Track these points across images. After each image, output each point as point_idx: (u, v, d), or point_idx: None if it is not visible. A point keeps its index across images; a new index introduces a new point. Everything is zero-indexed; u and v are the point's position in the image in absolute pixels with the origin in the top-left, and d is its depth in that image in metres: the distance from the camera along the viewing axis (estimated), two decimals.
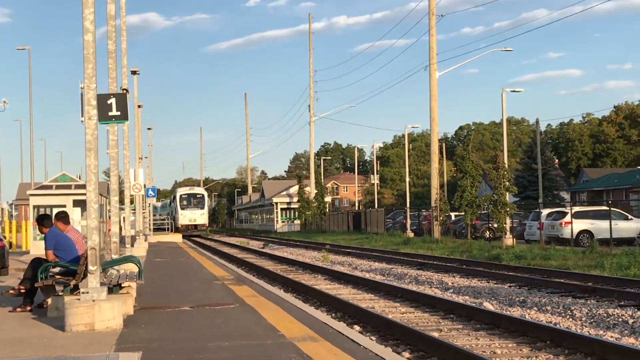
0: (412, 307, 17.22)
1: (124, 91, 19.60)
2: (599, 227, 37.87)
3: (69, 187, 35.11)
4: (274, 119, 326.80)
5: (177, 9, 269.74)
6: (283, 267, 32.18)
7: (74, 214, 32.90)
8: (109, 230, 44.57)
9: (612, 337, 13.10)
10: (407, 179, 72.21)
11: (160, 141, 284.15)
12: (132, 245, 33.66)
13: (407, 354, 11.52)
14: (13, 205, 79.14)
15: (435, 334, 12.94)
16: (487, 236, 46.58)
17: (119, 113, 14.12)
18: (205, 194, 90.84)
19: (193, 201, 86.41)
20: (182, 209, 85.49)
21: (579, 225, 38.71)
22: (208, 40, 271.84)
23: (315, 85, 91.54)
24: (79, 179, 43.00)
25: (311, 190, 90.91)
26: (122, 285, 13.01)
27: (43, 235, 14.11)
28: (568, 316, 15.49)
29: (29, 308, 13.46)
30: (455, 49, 78.77)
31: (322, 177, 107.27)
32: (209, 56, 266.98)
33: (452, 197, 51.06)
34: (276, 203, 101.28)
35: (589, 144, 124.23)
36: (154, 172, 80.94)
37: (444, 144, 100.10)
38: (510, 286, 21.10)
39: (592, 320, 14.89)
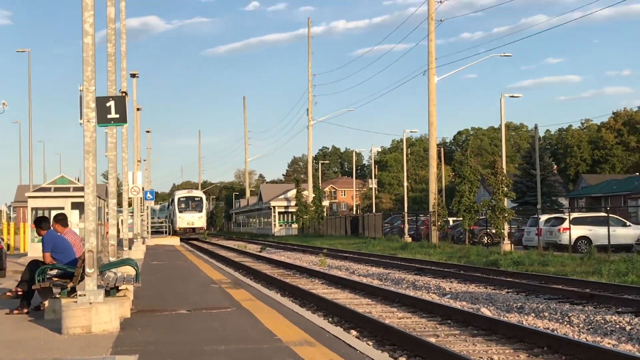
0: (410, 312, 17.21)
1: (123, 94, 19.60)
2: (597, 233, 37.88)
3: (67, 189, 35.11)
4: (273, 123, 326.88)
5: (177, 12, 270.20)
6: (280, 271, 32.15)
7: (72, 216, 32.90)
8: (107, 232, 44.58)
9: (609, 343, 13.10)
10: (405, 184, 72.20)
11: (159, 144, 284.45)
12: (130, 248, 33.61)
13: (403, 359, 11.51)
14: (11, 207, 79.04)
15: (433, 340, 12.93)
16: (485, 242, 46.61)
17: (117, 116, 14.12)
18: (204, 197, 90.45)
19: (191, 204, 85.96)
20: (180, 212, 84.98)
21: (577, 231, 38.72)
22: (207, 44, 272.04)
23: (314, 89, 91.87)
24: (78, 181, 42.98)
25: (309, 194, 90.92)
26: (120, 288, 12.99)
27: (41, 238, 14.09)
28: (566, 322, 15.49)
29: (26, 310, 13.45)
30: (454, 54, 79.05)
31: (320, 181, 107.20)
32: (209, 59, 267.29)
33: (450, 202, 51.10)
34: (274, 207, 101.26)
35: (587, 150, 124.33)
36: (152, 174, 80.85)
37: (442, 149, 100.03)
38: (508, 292, 21.08)
39: (589, 326, 14.89)
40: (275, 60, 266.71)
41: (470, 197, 45.17)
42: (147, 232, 61.07)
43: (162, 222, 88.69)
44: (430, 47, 53.05)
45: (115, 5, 18.51)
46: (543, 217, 42.63)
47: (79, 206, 34.09)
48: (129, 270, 14.65)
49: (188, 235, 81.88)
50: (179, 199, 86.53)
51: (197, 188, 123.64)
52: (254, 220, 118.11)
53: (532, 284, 22.51)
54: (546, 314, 16.46)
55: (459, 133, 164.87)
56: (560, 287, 21.28)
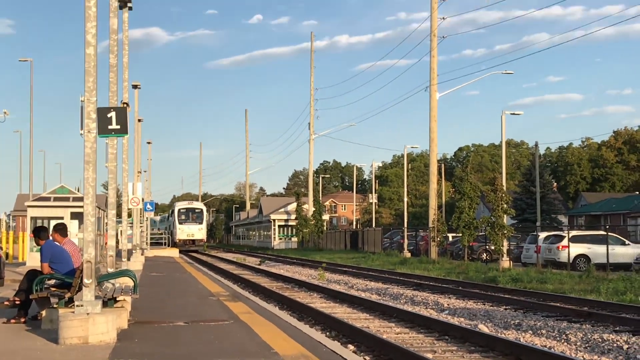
0: (407, 327, 17.20)
1: (125, 105, 19.62)
2: (596, 251, 37.84)
3: (67, 199, 35.11)
4: (274, 136, 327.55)
5: (180, 24, 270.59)
6: (279, 284, 32.12)
7: (72, 226, 32.88)
8: (106, 243, 44.47)
9: None
10: (405, 199, 72.15)
11: (160, 155, 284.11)
12: (129, 259, 33.60)
13: None
14: (10, 216, 79.04)
15: (430, 355, 12.92)
16: (484, 258, 46.58)
17: (118, 127, 14.14)
18: (204, 208, 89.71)
19: (192, 216, 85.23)
20: (180, 223, 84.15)
21: (576, 249, 38.68)
22: (210, 56, 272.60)
23: (316, 103, 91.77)
24: (78, 191, 42.97)
25: (309, 208, 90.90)
26: (117, 299, 12.98)
27: (39, 248, 14.09)
28: (563, 340, 15.47)
29: (23, 320, 13.44)
30: (456, 71, 79.31)
31: (321, 195, 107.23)
32: (211, 72, 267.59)
33: (450, 218, 51.08)
34: (274, 220, 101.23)
35: (587, 169, 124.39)
36: (152, 186, 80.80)
37: (442, 165, 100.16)
38: (505, 309, 21.07)
39: (587, 345, 14.87)
40: (278, 74, 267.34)
41: (469, 213, 45.17)
42: (146, 243, 61.00)
43: (161, 234, 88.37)
44: (433, 64, 53.16)
45: (118, 17, 18.56)
46: (542, 235, 42.60)
47: (78, 216, 34.08)
48: (127, 282, 14.64)
49: (188, 247, 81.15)
50: (179, 210, 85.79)
51: (197, 200, 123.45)
52: (254, 233, 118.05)
53: (530, 301, 22.50)
54: (544, 331, 16.45)
55: (460, 149, 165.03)
56: (558, 304, 21.26)
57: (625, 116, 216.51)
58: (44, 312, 12.87)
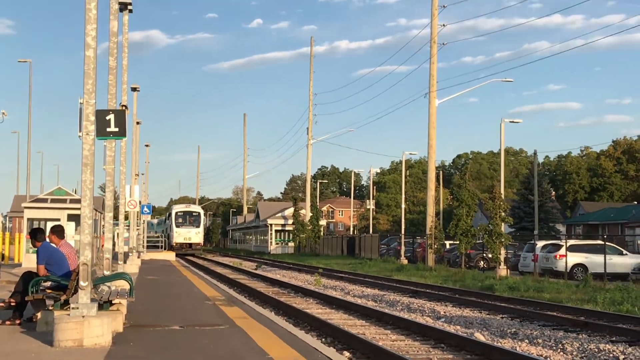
0: (403, 334, 17.15)
1: (123, 107, 19.60)
2: (594, 261, 37.84)
3: (64, 201, 35.07)
4: (272, 141, 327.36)
5: (180, 27, 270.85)
6: (275, 289, 32.08)
7: (69, 228, 32.86)
8: (102, 245, 44.43)
9: None
10: (403, 206, 72.15)
11: (157, 158, 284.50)
12: (125, 262, 33.57)
13: None
14: (7, 217, 78.94)
15: None
16: (481, 266, 46.55)
17: (117, 129, 14.10)
18: (202, 212, 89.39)
19: (189, 219, 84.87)
20: (178, 226, 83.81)
21: (574, 258, 38.66)
22: (209, 60, 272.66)
23: (315, 108, 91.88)
24: (75, 193, 42.96)
25: (306, 213, 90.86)
26: (113, 302, 12.94)
27: (36, 249, 14.05)
28: (559, 350, 15.43)
29: (18, 321, 13.39)
30: (456, 78, 79.21)
31: (318, 200, 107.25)
32: (210, 75, 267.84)
33: (448, 225, 51.08)
34: (271, 224, 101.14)
35: (586, 178, 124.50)
36: (149, 189, 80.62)
37: (441, 172, 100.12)
38: (502, 317, 21.04)
39: (583, 354, 14.83)
40: (277, 78, 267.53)
41: (467, 221, 45.15)
42: (143, 246, 60.92)
43: (158, 237, 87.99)
44: (432, 70, 53.19)
45: (118, 19, 18.54)
46: (540, 243, 42.59)
47: (75, 218, 34.06)
48: (123, 285, 14.60)
49: (184, 251, 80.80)
50: (176, 213, 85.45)
51: (194, 203, 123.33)
52: (251, 237, 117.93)
53: (527, 310, 22.46)
54: (540, 340, 16.42)
55: (458, 156, 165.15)
56: (555, 314, 21.24)
57: (624, 126, 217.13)
58: (39, 314, 12.82)
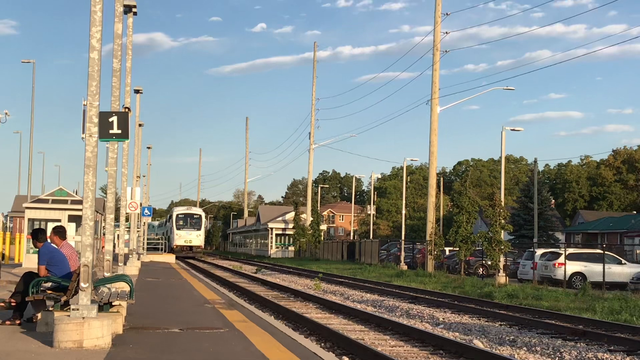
0: (402, 340, 17.19)
1: (126, 110, 19.67)
2: (592, 270, 37.86)
3: (65, 202, 35.10)
4: (274, 145, 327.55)
5: (183, 30, 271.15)
6: (275, 293, 32.10)
7: (69, 229, 32.86)
8: (103, 247, 44.43)
9: None
10: (404, 211, 72.19)
11: (159, 160, 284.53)
12: (125, 264, 33.60)
13: None
14: (8, 217, 78.98)
15: None
16: (481, 273, 46.54)
17: (120, 131, 14.16)
18: (203, 214, 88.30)
19: (190, 221, 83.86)
20: (178, 229, 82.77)
21: (573, 267, 38.68)
22: (212, 63, 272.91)
23: (317, 113, 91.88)
24: (76, 194, 43.01)
25: (307, 217, 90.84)
26: (113, 303, 12.98)
27: (37, 250, 14.08)
28: (557, 358, 15.47)
29: (18, 322, 13.43)
30: (458, 85, 79.39)
31: (319, 205, 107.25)
32: (213, 78, 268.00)
33: (447, 231, 51.12)
34: (271, 228, 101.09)
35: (586, 186, 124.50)
36: (150, 191, 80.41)
37: (441, 179, 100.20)
38: (501, 325, 21.07)
39: None
40: (280, 82, 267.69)
41: (467, 227, 45.19)
42: (143, 248, 60.93)
43: (158, 239, 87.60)
44: (435, 77, 53.26)
45: (122, 21, 18.61)
46: (539, 251, 42.60)
47: (75, 219, 34.10)
48: (123, 286, 14.64)
49: (185, 254, 79.90)
50: (177, 215, 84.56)
51: (195, 206, 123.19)
52: (251, 241, 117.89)
53: (526, 317, 22.49)
54: (538, 348, 16.44)
55: (459, 163, 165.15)
56: (553, 322, 21.27)
57: (624, 135, 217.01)
58: (39, 315, 12.86)
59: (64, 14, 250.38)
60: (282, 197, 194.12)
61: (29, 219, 34.87)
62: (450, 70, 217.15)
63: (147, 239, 70.58)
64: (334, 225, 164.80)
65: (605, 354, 15.40)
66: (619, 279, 38.01)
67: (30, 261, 32.18)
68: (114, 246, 26.35)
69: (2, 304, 13.63)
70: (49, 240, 13.97)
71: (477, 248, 48.36)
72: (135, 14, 24.20)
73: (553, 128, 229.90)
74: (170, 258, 59.65)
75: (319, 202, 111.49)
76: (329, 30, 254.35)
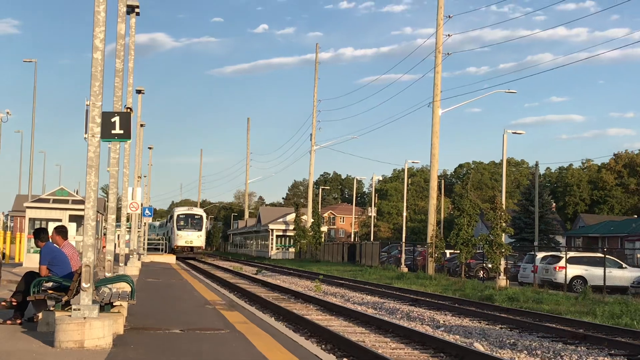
0: (403, 343, 17.18)
1: (129, 110, 19.66)
2: (593, 273, 37.86)
3: (66, 201, 35.08)
4: (275, 146, 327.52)
5: (185, 30, 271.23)
6: (275, 294, 32.10)
7: (70, 229, 32.84)
8: (103, 247, 44.39)
9: None
10: (405, 214, 72.15)
11: (159, 160, 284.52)
12: (125, 264, 33.59)
13: None
14: (9, 216, 78.97)
15: None
16: (481, 276, 46.57)
17: (122, 132, 14.18)
18: (204, 215, 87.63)
19: (191, 222, 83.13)
20: (179, 229, 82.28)
21: (573, 270, 38.69)
22: (214, 64, 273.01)
23: (319, 115, 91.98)
24: (77, 193, 42.98)
25: (308, 219, 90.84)
26: (114, 304, 12.98)
27: (38, 249, 14.08)
28: None
29: (19, 321, 13.43)
30: (459, 88, 79.45)
31: (320, 207, 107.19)
32: (214, 79, 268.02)
33: (448, 234, 51.12)
34: (272, 230, 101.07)
35: (587, 190, 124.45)
36: (151, 191, 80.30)
37: (442, 181, 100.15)
38: (501, 328, 21.07)
39: None
40: (281, 84, 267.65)
41: (468, 230, 45.18)
42: (143, 248, 60.89)
43: (159, 239, 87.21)
44: (437, 80, 53.27)
45: (125, 22, 18.61)
46: (540, 255, 42.62)
47: (76, 219, 34.09)
48: (124, 287, 14.63)
49: (186, 255, 79.44)
50: (178, 216, 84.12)
51: (196, 206, 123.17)
52: (251, 242, 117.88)
53: (526, 321, 22.47)
54: (539, 352, 16.44)
55: (460, 166, 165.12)
56: (553, 325, 21.26)
57: (626, 139, 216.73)
58: (40, 315, 12.86)
59: (66, 14, 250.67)
60: (283, 198, 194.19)
61: (29, 219, 34.85)
62: (452, 73, 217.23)
63: (148, 240, 70.47)
64: (335, 227, 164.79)
65: (605, 358, 15.40)
66: (620, 283, 38.01)
67: (30, 260, 32.17)
68: (115, 246, 26.31)
69: (4, 304, 13.63)
70: (50, 240, 13.97)
71: (478, 251, 48.38)
72: (137, 14, 24.21)
73: (554, 131, 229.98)
74: (170, 259, 59.62)
75: (319, 203, 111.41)
76: (331, 32, 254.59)
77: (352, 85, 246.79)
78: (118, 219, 36.40)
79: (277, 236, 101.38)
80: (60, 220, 32.59)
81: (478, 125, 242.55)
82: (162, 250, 78.73)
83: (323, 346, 15.77)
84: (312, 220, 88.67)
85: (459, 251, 45.77)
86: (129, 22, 23.61)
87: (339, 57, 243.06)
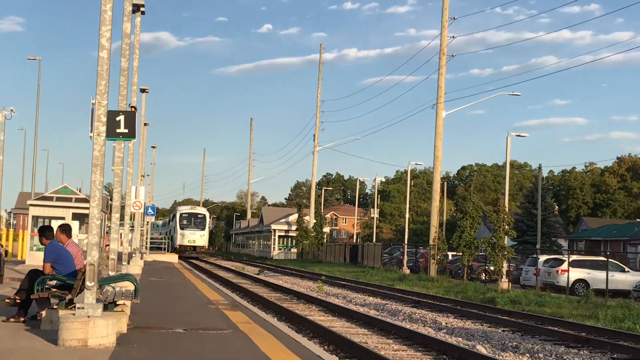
0: (406, 344, 17.18)
1: (133, 109, 19.67)
2: (595, 277, 37.81)
3: (69, 199, 35.09)
4: (278, 146, 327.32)
5: (189, 30, 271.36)
6: (278, 295, 32.11)
7: (73, 227, 32.85)
8: (107, 245, 44.50)
9: None
10: (407, 215, 72.12)
11: (163, 160, 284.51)
12: (128, 263, 33.60)
13: None
14: (12, 214, 79.01)
15: None
16: (483, 278, 46.52)
17: (127, 131, 14.19)
18: (207, 214, 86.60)
19: (194, 221, 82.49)
20: (182, 228, 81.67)
21: (576, 274, 38.65)
22: (218, 63, 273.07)
23: (322, 116, 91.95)
24: (80, 191, 43.00)
25: (310, 219, 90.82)
26: (117, 303, 12.99)
27: (42, 247, 14.08)
28: None
29: (22, 319, 13.44)
30: (463, 90, 79.31)
31: (322, 207, 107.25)
32: (218, 79, 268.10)
33: (451, 236, 51.06)
34: (274, 230, 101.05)
35: (589, 193, 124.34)
36: (154, 190, 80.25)
37: (445, 183, 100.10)
38: (503, 330, 21.05)
39: None
40: (285, 84, 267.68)
41: (471, 232, 45.16)
42: (146, 247, 60.92)
43: (161, 238, 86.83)
44: (440, 82, 53.24)
45: (131, 21, 18.63)
46: (542, 258, 42.59)
47: (79, 217, 34.10)
48: (128, 286, 14.62)
49: (188, 254, 78.76)
50: (181, 214, 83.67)
51: (199, 205, 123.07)
52: (254, 242, 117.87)
53: (528, 323, 22.46)
54: (541, 355, 16.43)
55: (463, 168, 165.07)
56: (556, 328, 21.24)
57: (629, 142, 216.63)
58: (43, 313, 12.87)
59: (71, 12, 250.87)
60: (286, 198, 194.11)
61: (32, 217, 34.86)
62: (456, 75, 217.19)
63: (150, 239, 70.40)
64: (337, 228, 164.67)
65: None
66: (622, 286, 37.96)
67: (33, 258, 32.19)
68: (118, 245, 26.32)
69: (7, 301, 13.64)
70: (55, 238, 13.98)
71: (480, 253, 48.36)
72: (143, 13, 24.26)
73: (558, 134, 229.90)
74: (173, 258, 59.61)
75: (322, 204, 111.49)
76: (335, 33, 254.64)
77: (355, 86, 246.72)
78: (121, 218, 36.42)
79: (280, 236, 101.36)
80: (63, 218, 32.61)
81: (481, 128, 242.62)
82: (164, 250, 78.42)
83: (326, 347, 15.78)
84: (315, 221, 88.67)
85: (461, 253, 45.74)
86: (134, 21, 23.63)
87: (342, 57, 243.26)
